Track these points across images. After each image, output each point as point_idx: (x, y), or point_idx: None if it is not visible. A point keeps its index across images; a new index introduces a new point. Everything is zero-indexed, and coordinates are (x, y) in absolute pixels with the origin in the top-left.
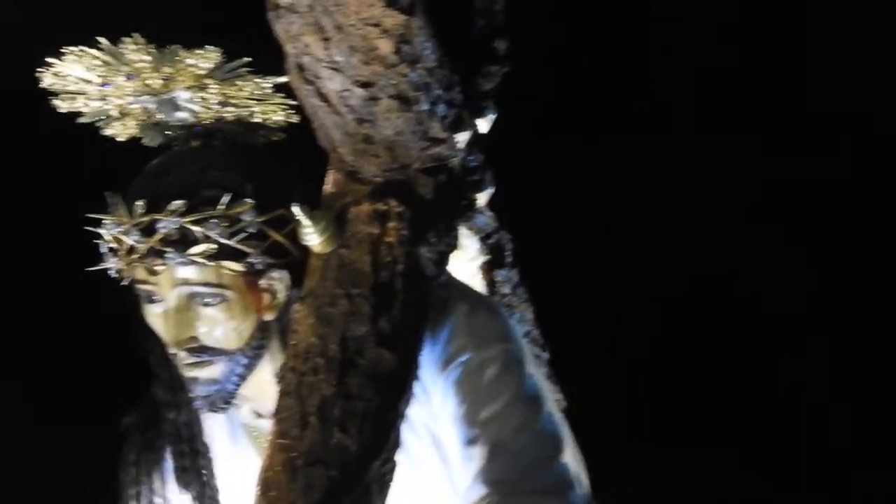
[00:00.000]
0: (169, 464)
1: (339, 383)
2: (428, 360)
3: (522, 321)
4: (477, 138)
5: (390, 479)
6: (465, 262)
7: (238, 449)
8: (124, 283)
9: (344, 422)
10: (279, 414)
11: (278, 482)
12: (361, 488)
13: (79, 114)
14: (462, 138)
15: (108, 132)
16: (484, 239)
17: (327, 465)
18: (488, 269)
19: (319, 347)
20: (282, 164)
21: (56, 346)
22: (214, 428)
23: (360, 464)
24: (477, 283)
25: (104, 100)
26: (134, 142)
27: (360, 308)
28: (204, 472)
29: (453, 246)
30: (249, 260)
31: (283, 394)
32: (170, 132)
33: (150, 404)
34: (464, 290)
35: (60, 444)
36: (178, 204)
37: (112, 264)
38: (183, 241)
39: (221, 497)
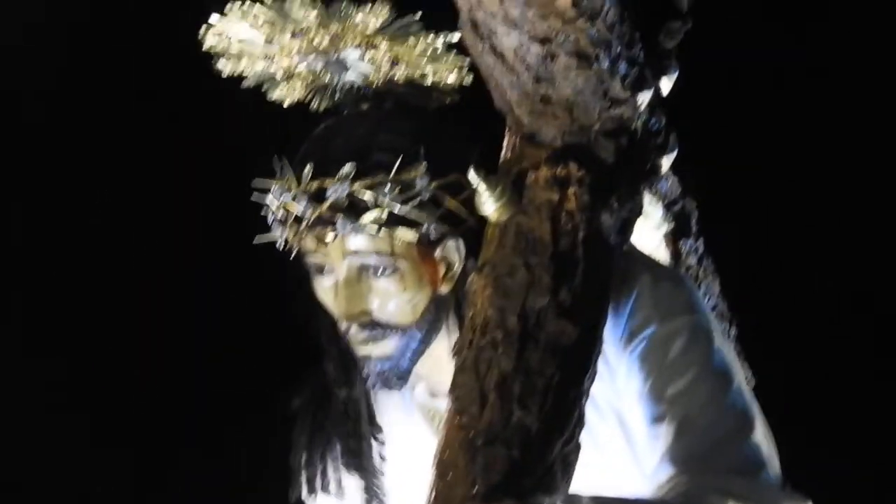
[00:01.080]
0: (339, 446)
1: (519, 358)
2: (611, 335)
3: (708, 294)
4: (659, 99)
5: (575, 460)
6: (649, 231)
7: (413, 430)
8: (293, 254)
9: (524, 399)
10: (455, 391)
11: (456, 463)
12: (544, 469)
13: (243, 76)
14: (644, 98)
15: (273, 95)
16: (668, 206)
17: (508, 444)
18: (673, 238)
19: (497, 320)
20: (456, 127)
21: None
22: (388, 408)
23: (542, 443)
24: (661, 254)
25: (269, 60)
26: (301, 106)
27: (540, 278)
28: (372, 455)
29: (637, 213)
30: (423, 228)
31: (460, 370)
32: (338, 95)
33: (319, 384)
34: (647, 261)
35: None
36: (348, 168)
37: (280, 234)
38: (353, 208)
39: (391, 481)
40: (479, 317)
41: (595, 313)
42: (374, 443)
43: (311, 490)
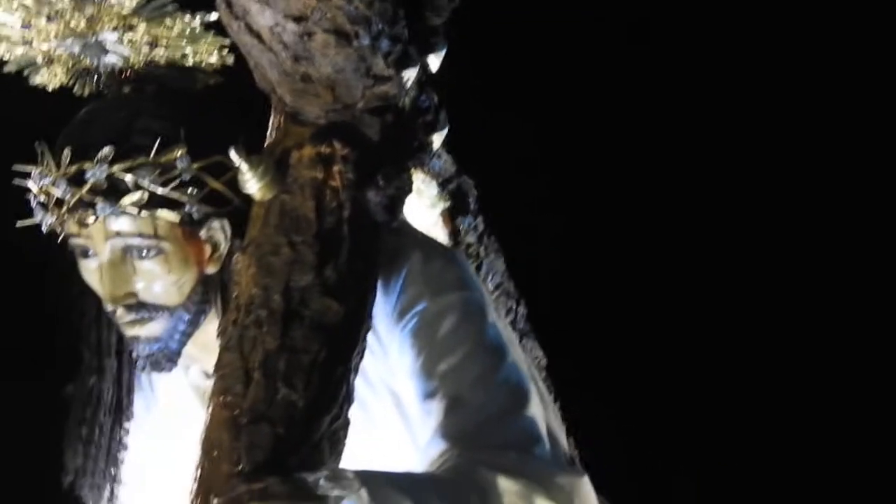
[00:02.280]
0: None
1: (283, 336)
2: (382, 312)
3: (491, 272)
4: (427, 76)
5: (344, 437)
6: (425, 209)
7: (188, 412)
8: (59, 238)
9: (289, 376)
10: (220, 370)
11: (221, 441)
12: (311, 446)
13: (3, 62)
14: (410, 76)
15: (35, 80)
16: (443, 184)
17: (273, 422)
18: (451, 216)
19: (262, 299)
20: (220, 108)
21: None
22: (163, 392)
23: (308, 420)
24: (438, 232)
25: (28, 45)
26: (64, 90)
27: (304, 256)
28: (99, 442)
29: (405, 190)
30: (185, 209)
31: (225, 349)
32: (100, 78)
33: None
34: (418, 238)
35: None
36: (106, 151)
37: (43, 218)
38: (113, 191)
39: (166, 465)
40: (243, 296)
41: (362, 291)
42: (109, 431)
43: (80, 475)
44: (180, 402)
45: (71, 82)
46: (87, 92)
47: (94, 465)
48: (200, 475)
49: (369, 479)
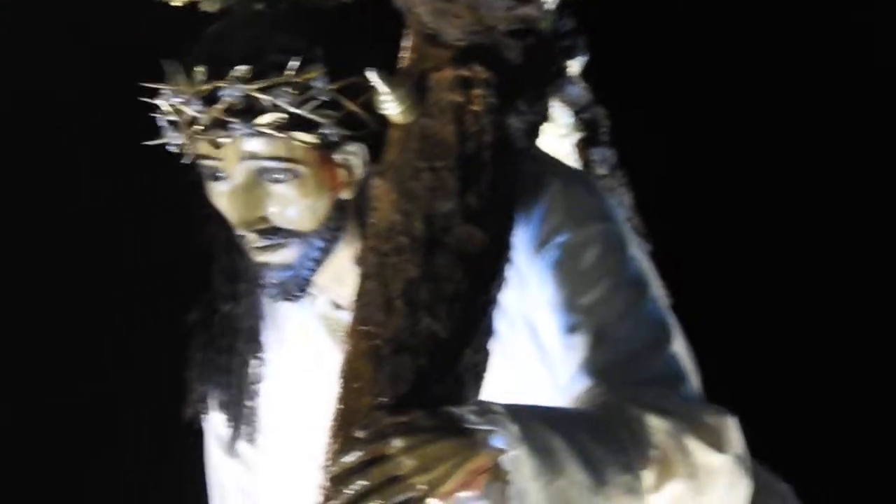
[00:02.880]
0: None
1: (425, 264)
2: (521, 242)
3: (621, 206)
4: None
5: (484, 370)
6: (558, 139)
7: (316, 344)
8: (186, 159)
9: (432, 306)
10: (360, 299)
11: (362, 372)
12: (453, 378)
13: None
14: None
15: None
16: (577, 113)
17: (415, 352)
18: (583, 146)
19: (402, 225)
20: (355, 28)
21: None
22: (287, 322)
23: (450, 351)
24: (571, 163)
25: None
26: (191, 7)
27: (446, 182)
28: (238, 371)
29: (544, 116)
30: (322, 131)
31: (364, 277)
32: None
33: (210, 300)
34: (557, 165)
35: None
36: (242, 69)
37: (172, 138)
38: (249, 111)
39: (290, 398)
40: (382, 222)
41: (503, 219)
42: (246, 360)
43: (203, 408)
44: (307, 333)
45: None
46: (214, 8)
47: (232, 395)
48: (341, 407)
49: (518, 414)
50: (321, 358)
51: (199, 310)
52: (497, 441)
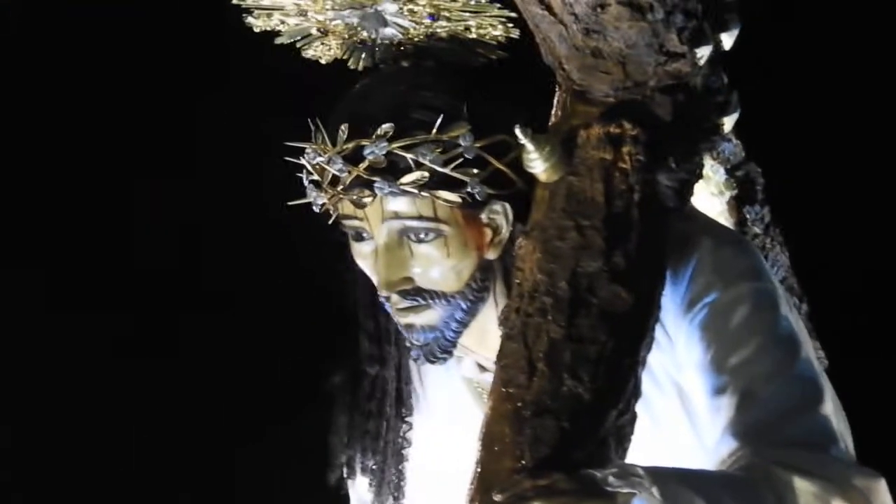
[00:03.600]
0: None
1: (569, 325)
2: (670, 302)
3: (776, 266)
4: (720, 55)
5: (630, 433)
6: (711, 197)
7: (460, 407)
8: (330, 220)
9: (575, 367)
10: (502, 360)
11: (502, 435)
12: (596, 441)
13: (276, 33)
14: (703, 53)
15: (308, 53)
16: (731, 170)
17: (557, 415)
18: (737, 204)
19: (547, 285)
20: (501, 85)
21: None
22: (434, 385)
23: (594, 414)
24: (725, 222)
25: (304, 15)
26: (338, 64)
27: (592, 241)
28: (388, 436)
29: (696, 175)
30: (468, 190)
31: (507, 337)
32: (375, 52)
33: (355, 360)
34: (708, 224)
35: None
36: (385, 127)
37: (316, 198)
38: (392, 169)
39: (434, 462)
40: (527, 282)
41: (651, 278)
42: (396, 425)
43: (351, 473)
44: (450, 395)
45: (345, 55)
46: (360, 66)
47: (379, 460)
48: (480, 469)
49: (660, 477)
50: (466, 421)
51: (342, 373)
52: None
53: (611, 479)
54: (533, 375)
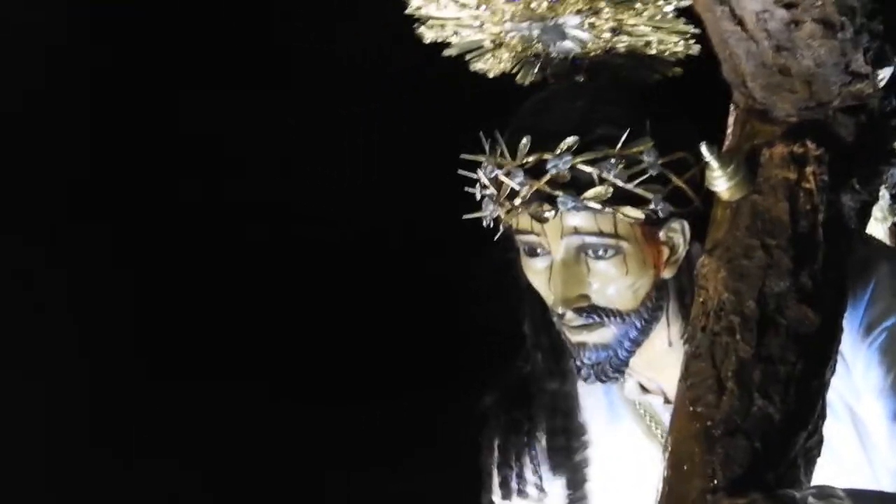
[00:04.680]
0: (540, 446)
1: (758, 344)
2: (848, 327)
3: None
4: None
5: (817, 455)
6: (874, 223)
7: (619, 429)
8: (500, 234)
9: (765, 387)
10: (689, 379)
11: (692, 454)
12: (787, 463)
13: (446, 44)
14: (885, 75)
15: (477, 66)
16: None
17: (749, 435)
18: None
19: (734, 304)
20: (680, 101)
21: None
22: (590, 406)
23: (784, 435)
24: None
25: (479, 28)
26: (505, 78)
27: (779, 261)
28: (578, 454)
29: (876, 197)
30: (650, 207)
31: (694, 356)
32: (547, 66)
33: (515, 379)
34: (885, 249)
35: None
36: (570, 141)
37: (490, 212)
38: (575, 184)
39: (594, 484)
40: (711, 301)
41: (836, 301)
42: (579, 442)
43: (507, 494)
44: (611, 416)
45: (515, 69)
46: (529, 80)
47: (572, 478)
48: (668, 490)
49: (859, 498)
50: (625, 443)
51: (496, 393)
52: None
53: (811, 499)
54: (722, 394)
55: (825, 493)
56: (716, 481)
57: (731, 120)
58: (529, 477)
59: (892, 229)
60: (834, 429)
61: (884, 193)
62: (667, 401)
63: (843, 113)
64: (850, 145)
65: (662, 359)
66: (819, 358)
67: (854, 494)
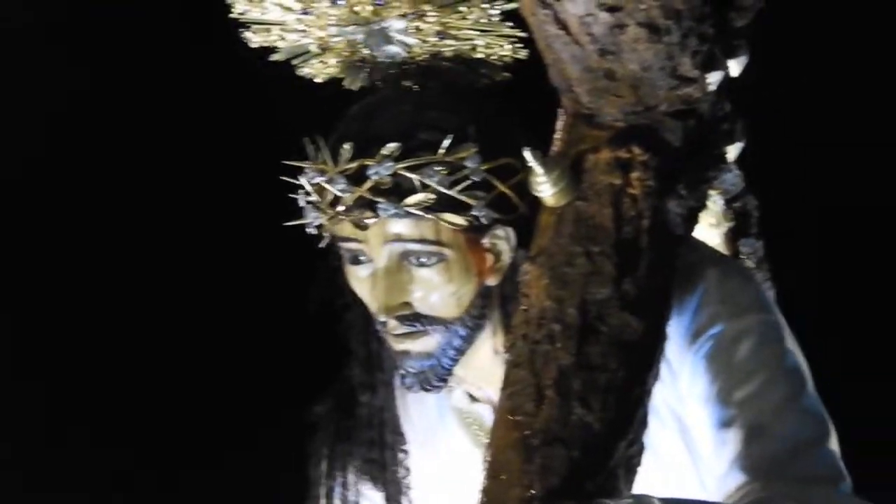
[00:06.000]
0: (361, 457)
1: (578, 352)
2: (674, 333)
3: None
4: (728, 83)
5: (637, 464)
6: (708, 228)
7: (447, 438)
8: (323, 242)
9: (585, 396)
10: (509, 388)
11: (510, 463)
12: (606, 472)
13: (272, 49)
14: (714, 79)
15: (304, 71)
16: (730, 201)
17: (567, 444)
18: (732, 237)
19: (555, 312)
20: (506, 106)
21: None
22: (418, 415)
23: (604, 444)
24: None
25: (304, 31)
26: (332, 84)
27: (602, 267)
28: (394, 465)
29: (703, 204)
30: (473, 213)
31: (514, 364)
32: (375, 71)
33: (344, 390)
34: (714, 255)
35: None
36: (392, 147)
37: (313, 219)
38: (397, 190)
39: (420, 491)
40: (533, 309)
41: (660, 308)
42: (397, 453)
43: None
44: (436, 425)
45: (342, 74)
46: (357, 85)
47: (389, 491)
48: (486, 499)
49: None
50: (453, 451)
51: (326, 403)
52: None
53: None
54: (541, 403)
55: (641, 501)
56: (533, 491)
57: (559, 125)
58: (352, 488)
59: (728, 235)
60: (660, 435)
61: (717, 199)
62: (494, 408)
63: (671, 117)
64: (677, 150)
65: (489, 368)
66: (642, 365)
67: (671, 503)
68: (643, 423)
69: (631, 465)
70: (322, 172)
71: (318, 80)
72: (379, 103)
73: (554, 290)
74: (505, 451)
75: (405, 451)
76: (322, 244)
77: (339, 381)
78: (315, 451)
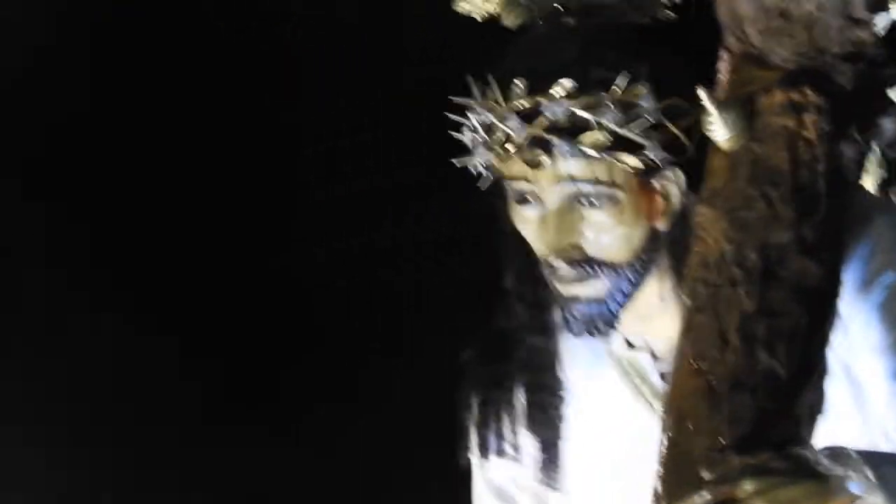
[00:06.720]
0: (519, 403)
1: (761, 297)
2: (845, 282)
3: None
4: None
5: (819, 411)
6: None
7: (602, 385)
8: (486, 181)
9: (770, 342)
10: (690, 333)
11: (696, 411)
12: (791, 421)
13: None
14: (883, 22)
15: (464, 7)
16: (887, 148)
17: (754, 392)
18: (884, 186)
19: (735, 256)
20: (674, 44)
21: None
22: (573, 359)
23: (789, 391)
24: None
25: None
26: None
27: (781, 212)
28: (556, 410)
29: (870, 148)
30: (646, 153)
31: (695, 310)
32: (535, 10)
33: (494, 334)
34: (880, 202)
35: None
36: (568, 85)
37: (481, 158)
38: (572, 129)
39: (573, 441)
40: (711, 253)
41: (837, 253)
42: (557, 398)
43: (485, 453)
44: (593, 372)
45: (501, 11)
46: (517, 24)
47: (548, 436)
48: (670, 448)
49: (873, 458)
50: (609, 399)
51: (475, 348)
52: (853, 486)
53: (824, 459)
54: (726, 349)
55: (838, 452)
56: (723, 439)
57: (721, 65)
58: (508, 435)
59: (881, 183)
60: (829, 387)
61: (874, 147)
62: (654, 356)
63: (843, 60)
64: (848, 94)
65: (651, 313)
66: (822, 312)
67: (868, 454)
68: (824, 372)
69: (813, 414)
70: (492, 109)
71: (475, 16)
72: (546, 40)
73: (732, 234)
74: (689, 398)
75: (563, 397)
76: (484, 184)
77: (487, 326)
78: (464, 399)
